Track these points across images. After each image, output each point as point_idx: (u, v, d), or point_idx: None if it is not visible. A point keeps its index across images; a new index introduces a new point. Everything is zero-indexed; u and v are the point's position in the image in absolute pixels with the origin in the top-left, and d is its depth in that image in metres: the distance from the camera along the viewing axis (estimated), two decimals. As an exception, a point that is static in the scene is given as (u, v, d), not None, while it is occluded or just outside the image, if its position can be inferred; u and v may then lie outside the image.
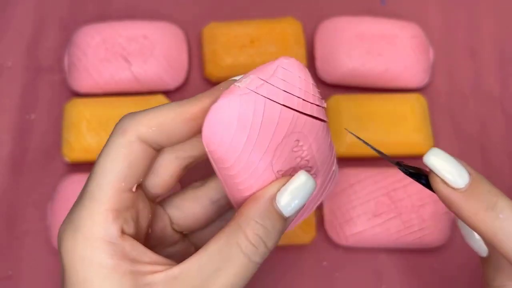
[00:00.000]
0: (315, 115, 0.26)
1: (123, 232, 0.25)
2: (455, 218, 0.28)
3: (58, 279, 0.40)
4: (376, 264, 0.42)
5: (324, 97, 0.45)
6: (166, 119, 0.26)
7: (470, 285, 0.41)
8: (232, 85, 0.25)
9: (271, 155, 0.25)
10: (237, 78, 0.27)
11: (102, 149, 0.26)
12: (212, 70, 0.45)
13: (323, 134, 0.27)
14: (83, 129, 0.42)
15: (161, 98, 0.44)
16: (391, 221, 0.40)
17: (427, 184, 0.25)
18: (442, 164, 0.24)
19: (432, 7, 0.50)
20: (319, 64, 0.46)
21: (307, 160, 0.27)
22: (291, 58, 0.26)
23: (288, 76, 0.25)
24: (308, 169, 0.27)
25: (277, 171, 0.26)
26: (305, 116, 0.25)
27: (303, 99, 0.25)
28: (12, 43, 0.47)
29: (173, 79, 0.45)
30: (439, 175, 0.24)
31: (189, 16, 0.48)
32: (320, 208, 0.42)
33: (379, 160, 0.43)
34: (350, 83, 0.45)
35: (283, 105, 0.25)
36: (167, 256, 0.27)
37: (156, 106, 0.27)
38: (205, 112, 0.25)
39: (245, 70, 0.44)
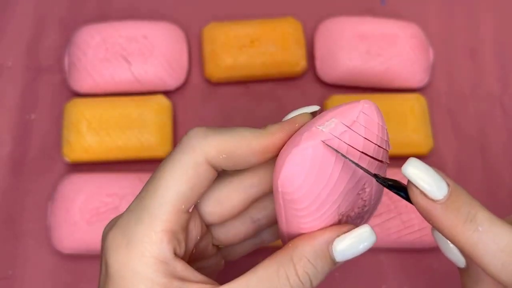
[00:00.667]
0: (383, 160, 0.26)
1: (176, 253, 0.26)
2: (431, 229, 0.27)
3: (58, 278, 0.41)
4: (376, 264, 0.42)
5: (324, 97, 0.46)
6: (237, 148, 0.26)
7: None
8: (314, 128, 0.24)
9: (341, 199, 0.26)
10: (308, 110, 0.27)
11: (165, 162, 0.26)
12: (212, 70, 0.45)
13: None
14: (83, 129, 0.42)
15: (161, 98, 0.44)
16: (391, 221, 0.40)
17: (406, 197, 0.24)
18: (420, 175, 0.23)
19: (432, 7, 0.50)
20: (319, 64, 0.46)
21: (365, 200, 0.27)
22: (371, 103, 0.25)
23: (369, 123, 0.25)
24: (363, 208, 0.28)
25: (341, 213, 0.26)
26: (376, 162, 0.25)
27: (378, 146, 0.25)
28: (12, 43, 0.47)
29: (173, 79, 0.45)
30: (418, 186, 0.23)
31: (189, 16, 0.48)
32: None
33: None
34: (350, 83, 0.46)
35: (362, 152, 0.24)
36: (198, 268, 0.27)
37: (228, 129, 0.26)
38: (276, 146, 0.26)
39: (245, 70, 0.45)
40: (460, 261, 0.27)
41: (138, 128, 0.43)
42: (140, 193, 0.26)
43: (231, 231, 0.30)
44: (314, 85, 0.47)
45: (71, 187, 0.41)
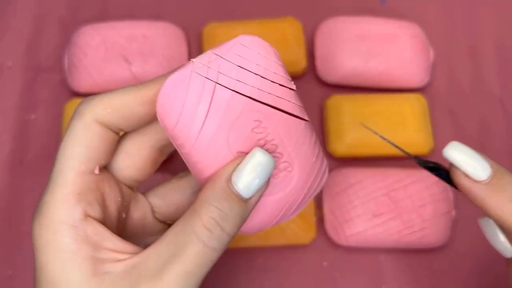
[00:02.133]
0: (278, 94, 0.25)
1: (87, 215, 0.25)
2: (478, 219, 0.27)
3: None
4: (376, 264, 0.42)
5: (324, 97, 0.45)
6: (122, 101, 0.26)
7: (469, 285, 0.41)
8: (188, 61, 0.25)
9: (226, 132, 0.25)
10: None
11: (64, 135, 0.26)
12: (212, 70, 0.45)
13: (293, 117, 0.26)
14: (83, 129, 0.42)
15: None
16: (391, 221, 0.40)
17: (447, 179, 0.25)
18: (463, 157, 0.24)
19: (432, 7, 0.50)
20: (319, 63, 0.46)
21: (275, 145, 0.26)
22: (254, 36, 0.25)
23: (246, 53, 0.25)
24: (278, 155, 0.26)
25: (237, 152, 0.25)
26: (265, 95, 0.25)
27: (261, 76, 0.25)
28: (12, 43, 0.47)
29: (173, 79, 0.45)
30: (461, 168, 0.24)
31: (189, 16, 0.48)
32: (320, 208, 0.42)
33: (379, 160, 0.43)
34: (350, 82, 0.45)
35: (237, 79, 0.24)
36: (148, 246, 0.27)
37: (115, 90, 0.26)
38: None
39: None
40: (508, 250, 0.27)
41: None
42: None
43: (170, 203, 0.30)
44: (315, 85, 0.47)
45: (71, 187, 0.41)
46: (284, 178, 0.26)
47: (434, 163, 0.25)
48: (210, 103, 0.24)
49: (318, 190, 0.28)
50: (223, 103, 0.24)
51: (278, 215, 0.27)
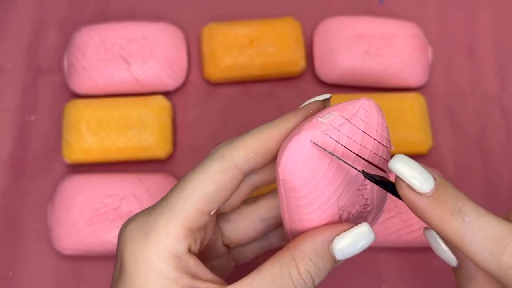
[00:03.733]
0: (384, 157, 0.27)
1: (190, 249, 0.26)
2: (423, 230, 0.28)
3: (58, 279, 0.41)
4: (376, 263, 0.42)
5: (324, 97, 0.46)
6: (261, 143, 0.27)
7: None
8: (315, 120, 0.25)
9: (341, 191, 0.26)
10: (320, 98, 0.29)
11: (194, 168, 0.27)
12: (212, 71, 0.45)
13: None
14: (82, 130, 0.42)
15: (161, 99, 0.44)
16: (390, 220, 0.40)
17: (394, 191, 0.25)
18: (408, 170, 0.24)
19: (431, 7, 0.50)
20: (318, 63, 0.46)
21: (367, 198, 0.28)
22: (372, 100, 0.26)
23: (368, 118, 0.26)
24: (366, 207, 0.28)
25: (341, 206, 0.27)
26: (376, 157, 0.26)
27: (378, 142, 0.26)
28: (12, 45, 0.47)
29: (172, 80, 0.45)
30: (405, 180, 0.24)
31: (188, 16, 0.48)
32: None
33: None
34: (349, 82, 0.46)
35: (361, 145, 0.25)
36: (209, 268, 0.28)
37: (247, 132, 0.28)
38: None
39: (244, 70, 0.45)
40: (452, 260, 0.28)
41: (138, 129, 0.43)
42: (166, 194, 0.27)
43: (240, 229, 0.31)
44: (313, 85, 0.47)
45: (71, 188, 0.41)
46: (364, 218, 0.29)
47: (380, 176, 0.26)
48: (337, 166, 0.25)
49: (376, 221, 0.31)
50: (346, 167, 0.26)
51: None
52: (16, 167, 0.44)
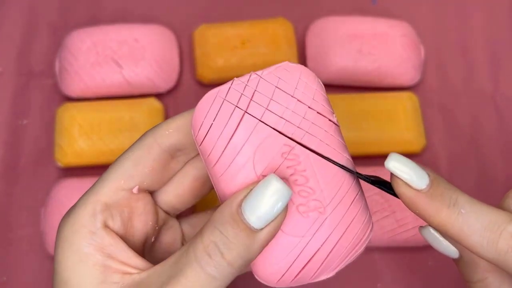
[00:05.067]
0: (314, 122, 0.24)
1: (106, 226, 0.26)
2: (419, 229, 0.28)
3: (52, 284, 0.40)
4: (371, 262, 0.42)
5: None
6: (182, 120, 0.27)
7: (463, 282, 0.41)
8: (232, 79, 0.25)
9: (252, 152, 0.24)
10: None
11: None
12: (204, 72, 0.45)
13: (330, 150, 0.25)
14: (75, 134, 0.42)
15: (153, 101, 0.44)
16: (384, 220, 0.40)
17: (389, 190, 0.26)
18: (403, 168, 0.24)
19: (423, 6, 0.50)
20: (310, 64, 0.46)
21: (305, 177, 0.24)
22: (300, 65, 0.26)
23: (289, 78, 0.25)
24: (308, 191, 0.24)
25: (262, 175, 0.24)
26: (300, 118, 0.24)
27: (298, 100, 0.25)
28: (3, 49, 0.47)
29: (164, 82, 0.45)
30: (401, 178, 0.24)
31: (180, 18, 0.48)
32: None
33: (372, 159, 0.43)
34: (342, 82, 0.46)
35: (272, 99, 0.24)
36: None
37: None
38: None
39: (237, 71, 0.45)
40: (453, 252, 0.28)
41: (130, 131, 0.42)
42: None
43: (199, 227, 0.30)
44: (306, 85, 0.47)
45: (64, 191, 0.41)
46: (313, 219, 0.24)
47: (375, 176, 0.26)
48: (241, 119, 0.24)
49: (359, 249, 0.26)
50: (253, 122, 0.24)
51: (302, 263, 0.24)
52: (9, 171, 0.43)
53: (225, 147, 0.24)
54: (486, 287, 0.28)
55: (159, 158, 0.27)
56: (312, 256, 0.24)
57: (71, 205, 0.39)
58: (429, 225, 0.26)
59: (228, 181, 0.24)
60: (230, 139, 0.24)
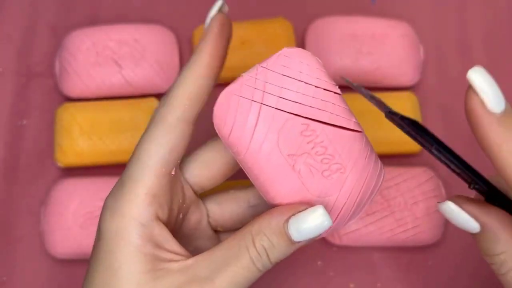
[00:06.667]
0: (322, 98, 0.27)
1: (157, 216, 0.27)
2: (438, 204, 0.27)
3: (53, 283, 0.41)
4: (371, 262, 0.42)
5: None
6: (189, 87, 0.29)
7: (463, 281, 0.42)
8: (239, 76, 0.27)
9: (275, 137, 0.26)
10: (214, 12, 0.32)
11: (144, 134, 0.29)
12: (204, 72, 0.45)
13: (339, 119, 0.28)
14: (75, 134, 0.42)
15: (153, 101, 0.44)
16: (384, 220, 0.40)
17: (414, 131, 0.26)
18: (485, 84, 0.24)
19: (422, 6, 0.50)
20: (310, 64, 0.46)
21: (324, 147, 0.27)
22: (296, 48, 0.27)
23: (289, 62, 0.27)
24: (329, 157, 0.27)
25: (288, 154, 0.27)
26: (309, 99, 0.27)
27: (305, 82, 0.27)
28: (3, 49, 0.47)
29: (164, 82, 0.45)
30: (480, 93, 0.24)
31: (179, 18, 0.48)
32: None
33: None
34: (342, 82, 0.45)
35: (282, 87, 0.27)
36: (196, 249, 0.29)
37: (173, 87, 0.29)
38: (215, 57, 0.30)
39: (237, 71, 0.44)
40: (474, 226, 0.27)
41: (130, 131, 0.42)
42: (125, 167, 0.28)
43: (226, 212, 0.32)
44: (306, 85, 0.47)
45: (64, 192, 0.41)
46: (337, 180, 0.27)
47: (401, 115, 0.26)
48: (259, 111, 0.26)
49: (375, 192, 0.29)
50: (271, 110, 0.27)
51: (334, 216, 0.28)
52: (9, 172, 0.43)
53: (251, 139, 0.26)
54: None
55: (186, 134, 0.29)
56: (341, 208, 0.27)
57: (71, 205, 0.40)
58: (484, 150, 0.25)
59: (259, 168, 0.27)
60: (254, 131, 0.26)
